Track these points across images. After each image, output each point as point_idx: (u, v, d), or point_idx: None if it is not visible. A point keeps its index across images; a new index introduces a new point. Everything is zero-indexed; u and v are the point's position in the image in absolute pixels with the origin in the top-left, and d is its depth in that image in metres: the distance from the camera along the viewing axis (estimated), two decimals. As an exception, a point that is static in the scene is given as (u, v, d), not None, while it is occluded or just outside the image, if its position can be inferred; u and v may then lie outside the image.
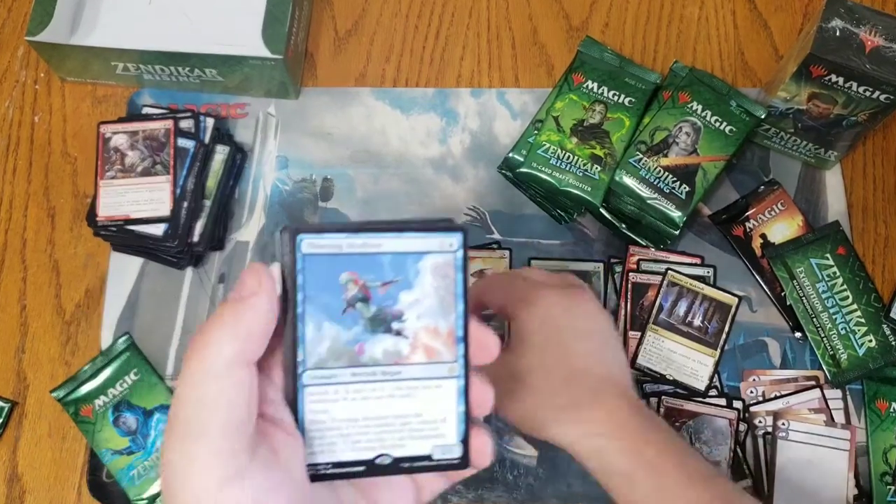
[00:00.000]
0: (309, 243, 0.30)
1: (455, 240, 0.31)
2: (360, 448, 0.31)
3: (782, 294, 0.62)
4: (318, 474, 0.31)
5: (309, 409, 0.30)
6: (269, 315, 0.29)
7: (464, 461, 0.32)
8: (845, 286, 0.62)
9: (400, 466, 0.32)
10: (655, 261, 0.63)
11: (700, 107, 0.62)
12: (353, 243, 0.30)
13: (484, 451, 0.32)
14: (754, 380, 0.61)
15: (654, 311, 0.61)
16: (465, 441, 0.32)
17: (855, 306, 0.61)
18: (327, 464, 0.31)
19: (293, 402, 0.30)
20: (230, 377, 0.28)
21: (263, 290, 0.29)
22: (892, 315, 0.61)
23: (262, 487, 0.27)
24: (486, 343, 0.32)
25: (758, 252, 0.64)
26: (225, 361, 0.27)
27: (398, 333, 0.31)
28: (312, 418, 0.30)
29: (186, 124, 0.65)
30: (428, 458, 0.32)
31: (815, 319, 0.61)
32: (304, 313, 0.30)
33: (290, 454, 0.29)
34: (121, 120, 0.66)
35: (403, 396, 0.31)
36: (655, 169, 0.61)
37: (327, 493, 0.31)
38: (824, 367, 0.61)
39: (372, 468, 0.31)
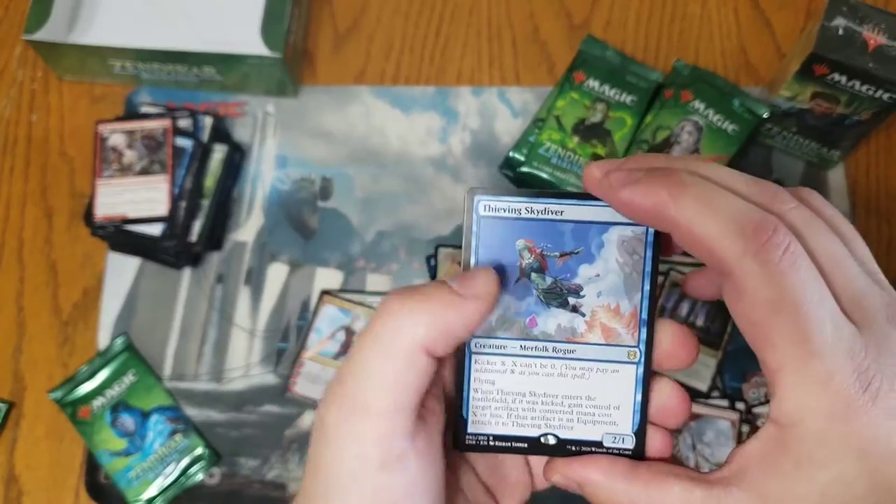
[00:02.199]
0: (486, 205, 0.29)
1: None
2: (525, 424, 0.30)
3: (785, 294, 0.62)
4: (477, 445, 0.30)
5: (475, 378, 0.30)
6: (476, 324, 0.28)
7: (637, 454, 0.30)
8: (848, 286, 0.61)
9: (566, 448, 0.30)
10: (657, 261, 0.63)
11: (702, 105, 0.62)
12: (532, 208, 0.29)
13: (665, 452, 0.30)
14: (757, 381, 0.61)
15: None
16: (641, 433, 0.30)
17: (858, 307, 0.61)
18: (488, 435, 0.30)
19: (460, 369, 0.30)
20: (413, 360, 0.27)
21: (485, 299, 0.28)
22: (895, 315, 0.60)
23: (417, 471, 0.27)
24: (683, 346, 0.30)
25: (760, 252, 0.63)
26: (413, 343, 0.27)
27: (574, 309, 0.29)
28: (477, 387, 0.30)
29: (184, 123, 0.64)
30: (597, 444, 0.30)
31: (817, 320, 0.61)
32: None
33: (436, 433, 0.29)
34: (118, 119, 0.65)
35: (575, 377, 0.30)
36: (657, 168, 0.61)
37: (450, 472, 0.31)
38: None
39: (535, 446, 0.30)
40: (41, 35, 0.63)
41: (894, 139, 0.67)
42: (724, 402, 0.59)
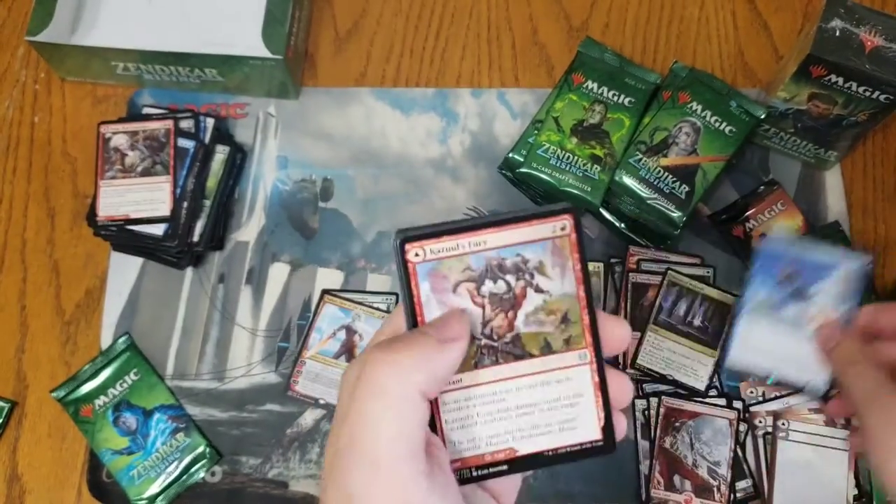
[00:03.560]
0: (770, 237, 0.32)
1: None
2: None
3: (782, 294, 0.62)
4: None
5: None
6: (459, 362, 0.30)
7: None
8: (845, 286, 0.62)
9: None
10: (655, 261, 0.63)
11: (700, 107, 0.62)
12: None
13: (621, 429, 0.32)
14: (754, 380, 0.61)
15: (655, 311, 0.61)
16: (608, 426, 0.32)
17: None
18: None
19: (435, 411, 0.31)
20: (414, 405, 0.28)
21: (464, 338, 0.30)
22: (891, 315, 0.61)
23: (443, 500, 0.28)
24: (616, 332, 0.32)
25: (758, 252, 0.64)
26: (413, 389, 0.28)
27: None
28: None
29: (186, 124, 0.65)
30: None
31: (814, 319, 0.61)
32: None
33: (446, 463, 0.30)
34: (121, 120, 0.66)
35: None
36: (655, 169, 0.61)
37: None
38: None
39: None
40: (44, 36, 0.64)
41: (890, 140, 0.68)
42: (722, 401, 0.60)
